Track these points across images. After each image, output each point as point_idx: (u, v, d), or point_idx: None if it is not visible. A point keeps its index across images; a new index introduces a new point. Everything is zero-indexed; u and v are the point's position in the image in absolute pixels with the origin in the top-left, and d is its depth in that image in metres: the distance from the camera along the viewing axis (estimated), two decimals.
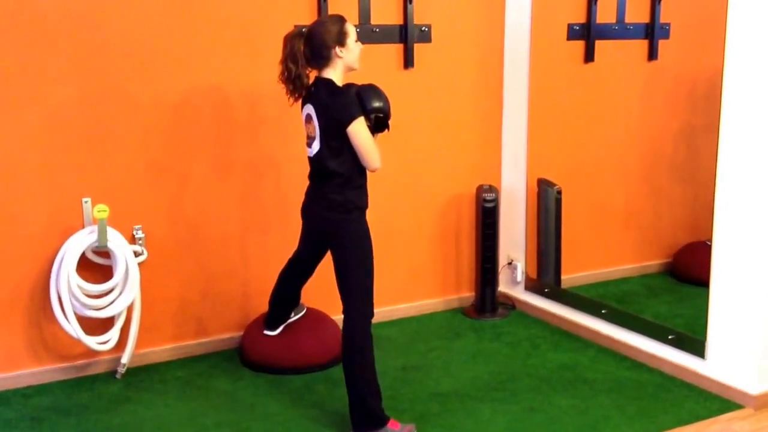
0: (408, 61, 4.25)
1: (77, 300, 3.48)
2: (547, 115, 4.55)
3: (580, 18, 4.55)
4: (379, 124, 3.13)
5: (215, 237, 3.93)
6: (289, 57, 3.08)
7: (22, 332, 3.58)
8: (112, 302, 3.57)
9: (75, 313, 3.48)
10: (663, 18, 4.65)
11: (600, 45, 4.60)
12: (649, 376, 3.72)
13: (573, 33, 4.56)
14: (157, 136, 3.74)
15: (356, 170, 3.09)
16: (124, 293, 3.59)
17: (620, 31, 4.64)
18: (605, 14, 4.60)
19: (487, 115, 4.58)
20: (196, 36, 3.75)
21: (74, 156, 3.58)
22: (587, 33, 4.55)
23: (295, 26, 3.17)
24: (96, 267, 3.61)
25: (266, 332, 3.76)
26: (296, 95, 3.13)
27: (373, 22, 4.14)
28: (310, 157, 3.18)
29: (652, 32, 4.66)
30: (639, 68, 4.75)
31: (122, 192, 3.66)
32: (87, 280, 3.53)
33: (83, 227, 3.55)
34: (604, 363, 3.86)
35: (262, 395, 3.53)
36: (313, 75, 3.13)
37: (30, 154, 3.50)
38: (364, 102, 3.06)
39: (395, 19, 4.20)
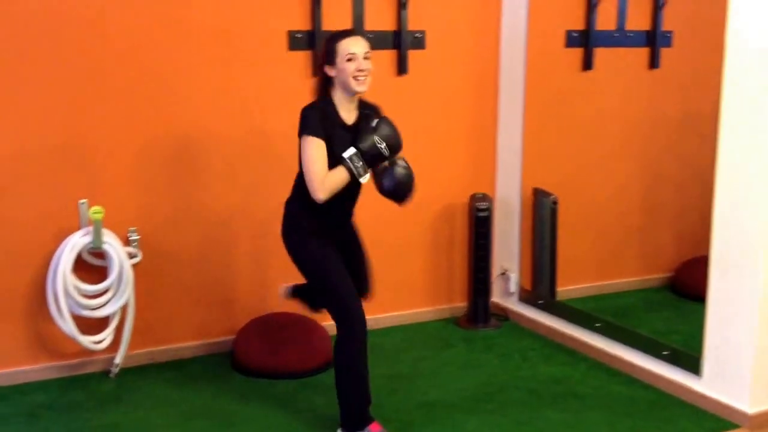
0: (401, 68, 4.86)
1: (73, 299, 4.12)
2: (544, 124, 5.10)
3: (579, 25, 5.12)
4: (369, 160, 3.41)
5: (210, 240, 4.57)
6: None
7: (19, 330, 4.23)
8: (106, 302, 4.22)
9: (70, 313, 4.12)
10: (665, 26, 5.19)
11: (599, 52, 5.16)
12: (642, 392, 4.15)
13: (571, 40, 5.13)
14: (153, 138, 4.38)
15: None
16: (118, 294, 4.24)
17: (620, 38, 5.20)
18: (605, 21, 5.15)
19: (482, 122, 5.18)
20: (193, 39, 4.39)
21: (71, 158, 4.21)
22: (586, 40, 5.11)
23: None
24: (91, 268, 4.25)
25: (285, 285, 4.16)
26: None
27: (367, 27, 4.72)
28: None
29: (654, 40, 5.21)
30: (640, 76, 5.31)
31: (118, 194, 4.29)
32: (83, 280, 4.18)
33: (79, 228, 4.19)
34: (596, 377, 4.34)
35: (251, 399, 4.11)
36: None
37: (27, 156, 4.14)
38: (360, 137, 3.41)
39: (389, 25, 4.81)
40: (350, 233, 3.81)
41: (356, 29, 3.46)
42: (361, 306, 3.56)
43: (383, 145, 3.41)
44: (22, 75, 4.11)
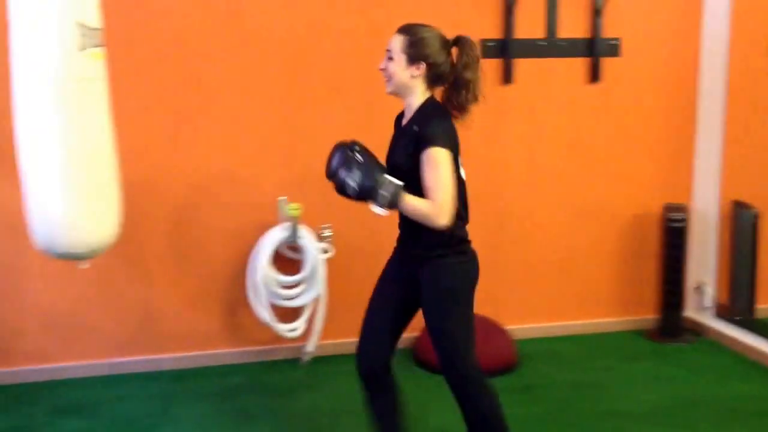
0: (594, 76, 4.79)
1: (270, 289, 4.37)
2: (747, 134, 4.90)
3: None
4: None
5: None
6: None
7: (220, 316, 4.54)
8: (300, 293, 4.44)
9: (268, 302, 4.37)
10: None
11: None
12: None
13: None
14: (346, 135, 4.54)
15: None
16: (311, 286, 4.44)
17: None
18: None
19: (678, 132, 4.99)
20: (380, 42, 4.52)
21: (273, 157, 4.47)
22: None
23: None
24: (288, 260, 4.48)
25: None
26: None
27: (560, 35, 4.72)
28: (465, 182, 3.09)
29: None
30: None
31: (315, 192, 4.44)
32: (280, 271, 4.42)
33: (278, 224, 4.41)
34: None
35: (433, 394, 4.12)
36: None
37: (235, 156, 4.44)
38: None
39: (583, 32, 4.77)
40: (424, 284, 3.09)
41: (403, 25, 3.08)
42: (363, 342, 3.25)
43: None
44: (230, 83, 4.42)
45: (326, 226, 4.53)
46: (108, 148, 3.27)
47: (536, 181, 4.83)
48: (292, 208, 4.34)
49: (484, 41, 4.64)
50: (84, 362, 4.41)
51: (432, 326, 3.09)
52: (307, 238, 4.42)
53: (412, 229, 3.02)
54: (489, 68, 4.62)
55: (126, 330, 4.46)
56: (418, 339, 4.65)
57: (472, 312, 3.14)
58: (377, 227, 4.63)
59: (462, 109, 3.00)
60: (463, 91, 2.97)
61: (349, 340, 4.65)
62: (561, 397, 4.15)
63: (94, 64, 3.15)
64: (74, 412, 4.02)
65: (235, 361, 4.56)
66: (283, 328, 4.42)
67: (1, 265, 4.27)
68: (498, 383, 4.19)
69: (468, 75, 2.97)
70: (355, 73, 4.52)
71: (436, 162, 2.84)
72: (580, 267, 4.97)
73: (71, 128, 3.07)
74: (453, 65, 3.00)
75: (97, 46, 3.15)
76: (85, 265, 3.28)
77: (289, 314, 4.49)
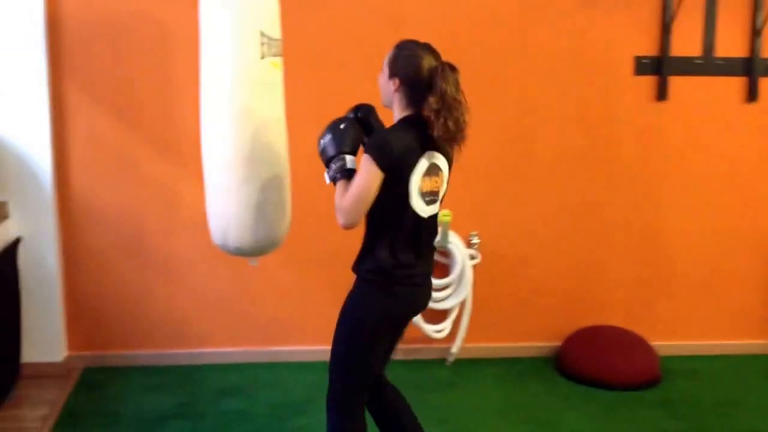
0: (751, 95, 4.72)
1: None
2: None
3: None
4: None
5: (547, 249, 4.77)
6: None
7: None
8: (447, 296, 4.60)
9: None
10: None
11: None
12: None
13: None
14: (500, 149, 4.67)
15: None
16: (458, 290, 4.60)
17: None
18: None
19: None
20: (543, 58, 4.62)
21: None
22: None
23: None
24: (438, 264, 4.61)
25: None
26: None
27: (717, 54, 4.68)
28: (422, 218, 2.91)
29: None
30: None
31: (465, 201, 4.60)
32: None
33: None
34: None
35: (572, 402, 4.26)
36: None
37: None
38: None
39: (741, 51, 4.70)
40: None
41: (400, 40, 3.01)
42: None
43: None
44: None
45: (474, 233, 4.67)
46: (282, 153, 3.45)
47: (688, 198, 4.80)
48: (444, 215, 4.47)
49: (638, 58, 4.66)
50: (246, 348, 4.70)
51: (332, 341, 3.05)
52: (456, 243, 4.57)
53: (363, 241, 2.98)
54: (643, 85, 4.70)
55: (284, 321, 4.72)
56: (560, 348, 4.72)
57: (372, 351, 3.00)
58: (522, 237, 4.75)
59: (441, 137, 2.82)
60: (435, 121, 2.79)
61: (491, 345, 4.80)
62: (701, 414, 4.14)
63: (273, 73, 3.35)
64: (234, 395, 4.30)
65: None
66: (431, 329, 4.59)
67: (175, 255, 4.60)
68: (640, 397, 4.33)
69: (434, 103, 2.79)
70: (502, 85, 4.62)
71: (360, 166, 2.81)
72: (728, 286, 4.91)
73: (248, 132, 3.24)
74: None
75: (276, 55, 3.36)
76: (254, 263, 3.48)
77: (436, 316, 4.64)
